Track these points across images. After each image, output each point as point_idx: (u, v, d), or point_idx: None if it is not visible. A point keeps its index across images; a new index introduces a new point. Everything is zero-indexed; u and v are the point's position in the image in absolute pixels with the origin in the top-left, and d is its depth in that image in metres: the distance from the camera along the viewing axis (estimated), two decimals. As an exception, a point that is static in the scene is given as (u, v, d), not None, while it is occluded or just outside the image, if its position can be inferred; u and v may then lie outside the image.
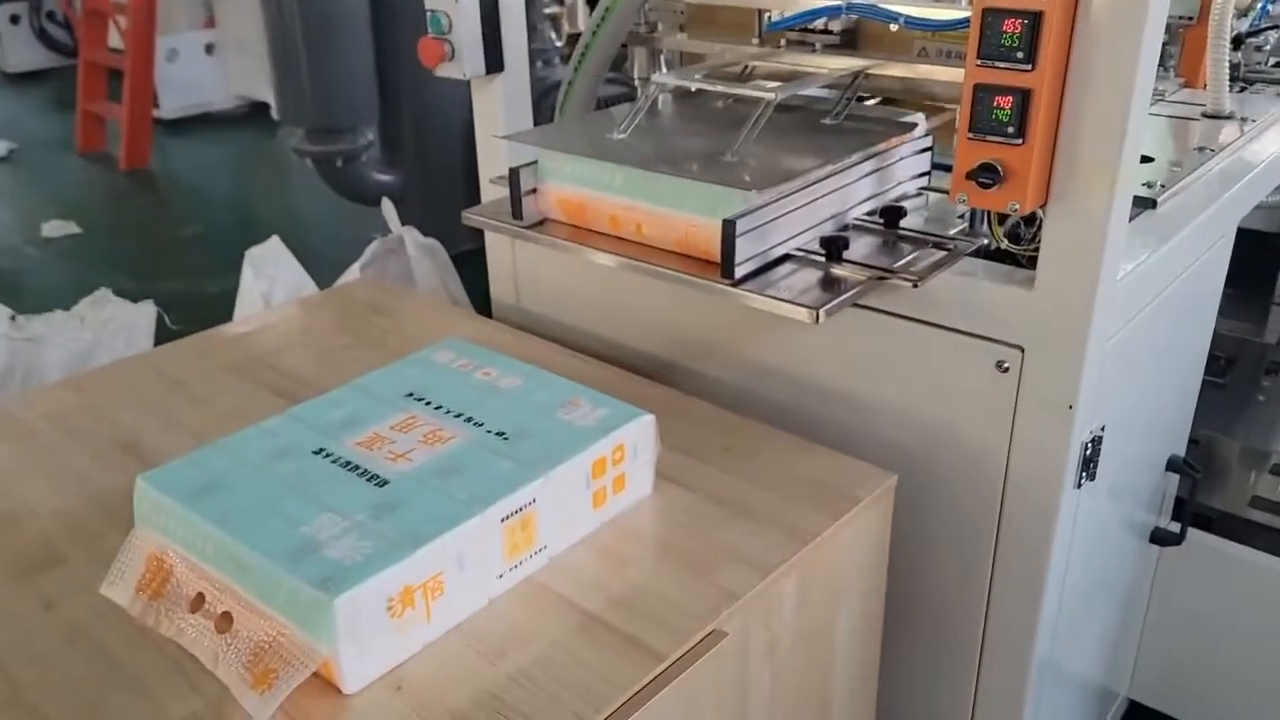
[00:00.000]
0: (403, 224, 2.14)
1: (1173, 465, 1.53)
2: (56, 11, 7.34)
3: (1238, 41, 1.82)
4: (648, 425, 1.04)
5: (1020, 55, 0.95)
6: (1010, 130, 0.98)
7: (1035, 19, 0.93)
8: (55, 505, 1.08)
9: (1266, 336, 1.99)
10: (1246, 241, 2.08)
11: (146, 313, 1.81)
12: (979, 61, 0.98)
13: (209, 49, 6.14)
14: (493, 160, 1.52)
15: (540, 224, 1.27)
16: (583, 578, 0.97)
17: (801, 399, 1.29)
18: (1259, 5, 1.84)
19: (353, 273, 2.00)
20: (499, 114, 1.50)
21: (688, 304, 1.35)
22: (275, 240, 1.87)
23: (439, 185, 3.74)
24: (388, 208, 2.18)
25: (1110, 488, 1.30)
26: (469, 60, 1.43)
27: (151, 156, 5.26)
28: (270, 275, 1.77)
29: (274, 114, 5.84)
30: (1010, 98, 0.97)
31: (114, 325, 1.70)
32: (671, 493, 1.09)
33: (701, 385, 1.36)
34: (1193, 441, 1.74)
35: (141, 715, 0.82)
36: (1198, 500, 1.65)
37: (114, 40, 5.47)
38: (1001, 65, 0.96)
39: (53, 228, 4.32)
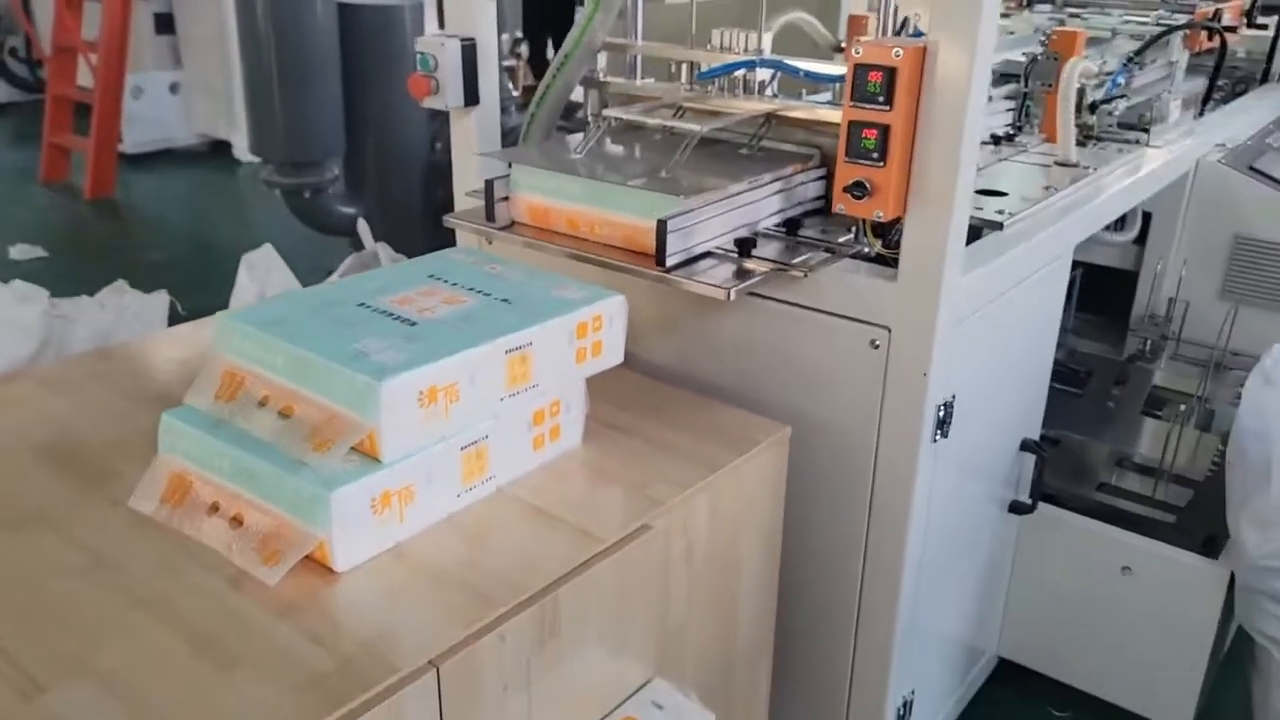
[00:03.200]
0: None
1: (1026, 446, 1.84)
2: (19, 48, 7.51)
3: (1094, 106, 2.19)
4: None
5: (881, 99, 1.27)
6: (875, 155, 1.30)
7: (891, 72, 1.25)
8: (107, 437, 1.32)
9: (1120, 354, 2.34)
10: (1108, 276, 2.45)
11: (161, 300, 2.04)
12: (852, 103, 1.29)
13: (173, 88, 6.36)
14: (466, 178, 1.80)
15: (510, 226, 1.55)
16: (536, 489, 1.23)
17: (717, 373, 1.57)
18: (1110, 78, 2.21)
19: (331, 282, 2.25)
20: (473, 139, 1.79)
21: (631, 296, 1.63)
22: (268, 247, 2.12)
23: (398, 217, 4.00)
24: (363, 226, 2.44)
25: (964, 453, 1.60)
26: (451, 94, 1.72)
27: (115, 188, 5.44)
28: (263, 279, 2.01)
29: (236, 151, 6.07)
30: (875, 130, 1.28)
31: (131, 311, 1.92)
32: (610, 435, 1.36)
33: (637, 364, 1.63)
34: (1053, 441, 2.07)
35: (176, 584, 1.05)
36: (1058, 486, 1.97)
37: (83, 77, 5.67)
38: (868, 106, 1.28)
39: (20, 251, 4.48)
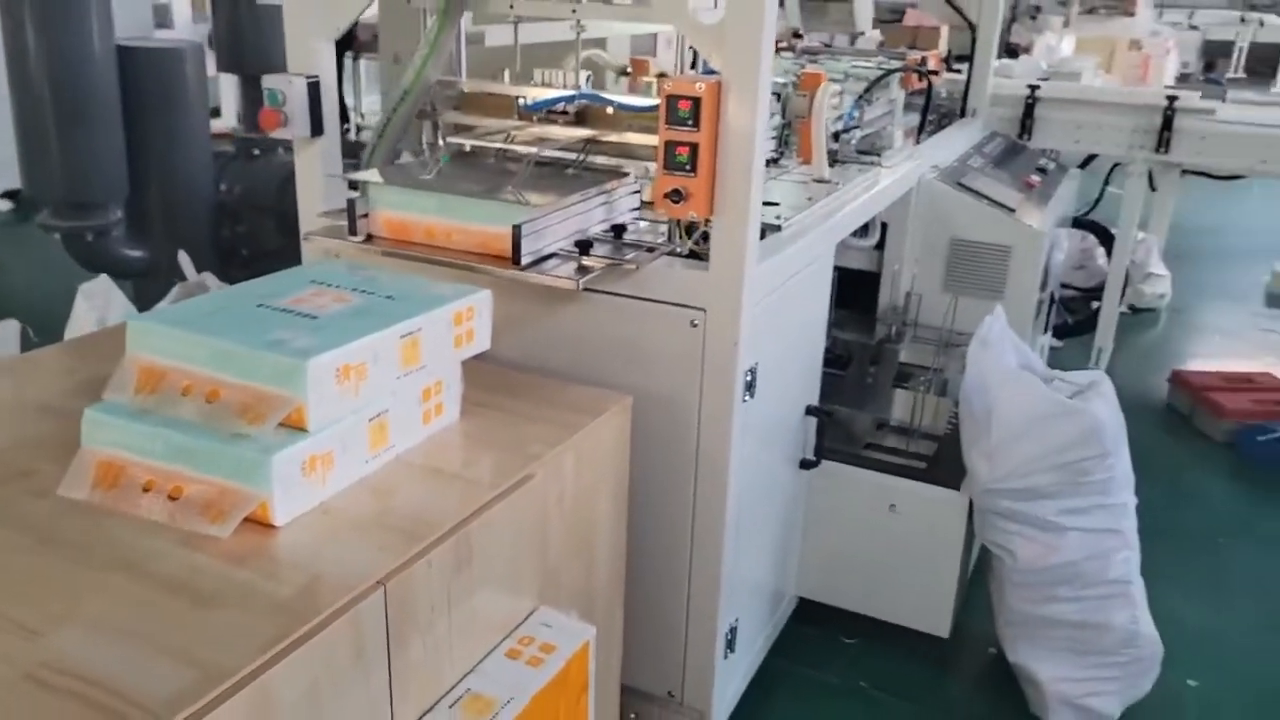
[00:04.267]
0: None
1: (810, 411, 2.22)
2: None
3: (836, 135, 2.64)
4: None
5: (690, 122, 1.59)
6: (688, 168, 1.61)
7: (697, 101, 1.57)
8: (3, 443, 1.41)
9: (873, 340, 2.80)
10: (862, 279, 2.91)
11: (11, 328, 2.03)
12: (667, 126, 1.61)
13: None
14: (312, 201, 1.97)
15: (369, 239, 1.75)
16: (429, 455, 1.44)
17: (565, 360, 1.83)
18: (847, 111, 2.67)
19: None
20: (318, 167, 1.96)
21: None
22: (104, 277, 2.17)
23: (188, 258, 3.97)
24: (184, 258, 2.50)
25: (764, 417, 1.94)
26: (299, 126, 1.89)
27: None
28: (102, 307, 2.07)
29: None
30: (687, 148, 1.60)
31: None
32: (483, 411, 1.59)
33: (495, 358, 1.86)
34: (827, 413, 2.47)
35: (134, 549, 1.19)
36: (835, 447, 2.37)
37: None
38: (680, 128, 1.60)
39: None
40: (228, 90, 5.47)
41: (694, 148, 1.60)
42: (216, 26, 4.20)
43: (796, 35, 3.68)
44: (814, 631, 2.44)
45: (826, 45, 3.91)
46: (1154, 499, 3.21)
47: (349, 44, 2.41)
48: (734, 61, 1.58)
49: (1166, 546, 2.90)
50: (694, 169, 1.61)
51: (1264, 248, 5.92)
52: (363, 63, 5.42)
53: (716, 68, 1.61)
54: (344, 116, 2.06)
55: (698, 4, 1.63)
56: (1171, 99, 3.45)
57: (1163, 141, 3.44)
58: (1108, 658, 2.13)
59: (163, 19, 6.37)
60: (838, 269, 2.73)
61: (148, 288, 3.94)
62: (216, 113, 4.94)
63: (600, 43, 2.52)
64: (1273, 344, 4.66)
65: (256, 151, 4.19)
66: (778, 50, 3.51)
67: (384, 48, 2.24)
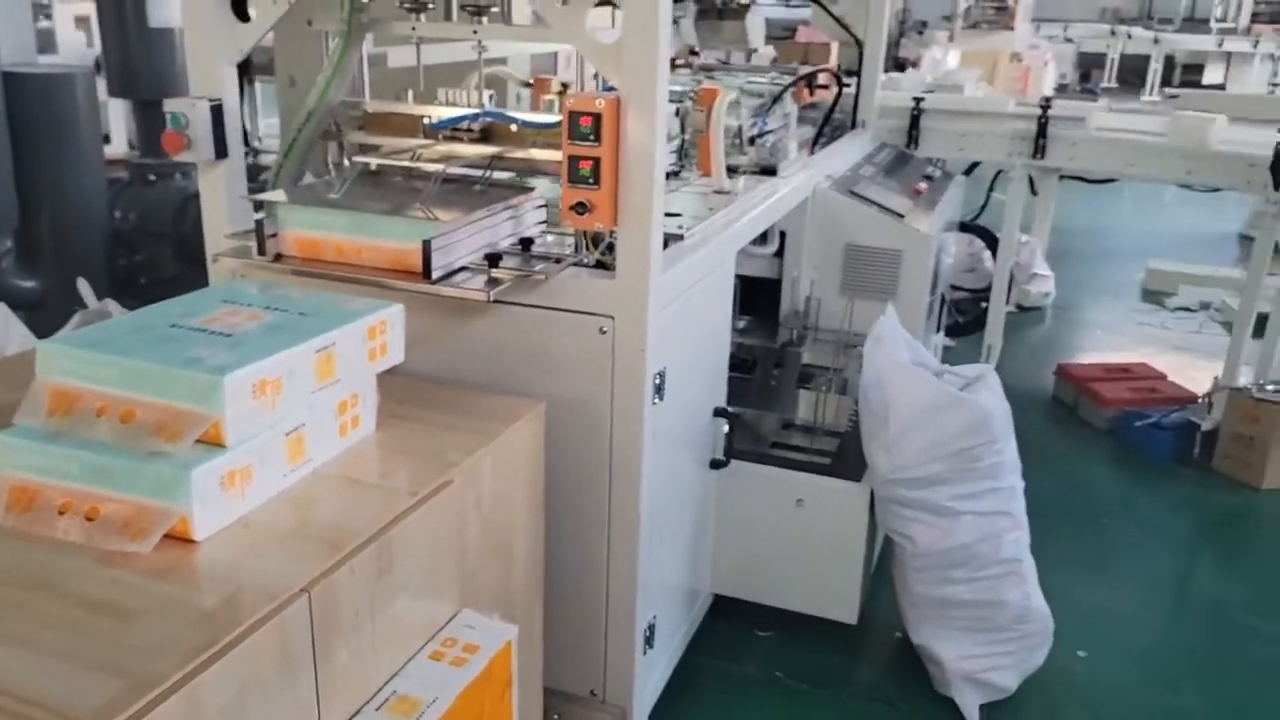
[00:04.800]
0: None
1: (718, 413, 2.31)
2: None
3: (754, 139, 2.73)
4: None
5: (592, 137, 1.65)
6: (591, 181, 1.68)
7: (598, 117, 1.64)
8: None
9: (776, 344, 2.91)
10: (765, 286, 3.02)
11: None
12: (570, 141, 1.67)
13: None
14: (217, 223, 1.97)
15: (278, 259, 1.77)
16: (347, 466, 1.47)
17: (479, 371, 1.88)
18: (760, 117, 2.77)
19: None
20: (224, 189, 1.97)
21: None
22: (3, 306, 2.12)
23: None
24: (83, 285, 2.47)
25: (673, 419, 2.01)
26: (203, 149, 1.90)
27: None
28: (1, 335, 2.03)
29: None
30: (589, 162, 1.67)
31: None
32: (399, 423, 1.62)
33: (410, 372, 1.89)
34: (735, 414, 2.56)
35: (52, 569, 1.20)
36: (744, 448, 2.46)
37: None
38: (583, 143, 1.66)
39: None
40: (117, 116, 5.34)
41: (596, 161, 1.67)
42: (106, 51, 4.12)
43: (693, 53, 3.79)
44: (730, 626, 2.52)
45: (723, 62, 4.03)
46: (1043, 485, 3.40)
47: (244, 67, 2.41)
48: (631, 78, 1.66)
49: (1056, 529, 3.07)
50: (597, 182, 1.68)
51: (1138, 247, 6.28)
52: (258, 85, 5.37)
53: (615, 85, 1.69)
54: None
55: (595, 24, 1.70)
56: (1045, 107, 3.66)
57: (1039, 148, 3.66)
58: (1003, 634, 2.26)
59: (46, 44, 6.18)
60: (741, 277, 2.84)
61: (41, 319, 3.83)
62: (107, 139, 4.83)
63: (502, 61, 2.57)
64: (1148, 336, 4.96)
65: (152, 177, 4.12)
66: (675, 67, 3.62)
67: (280, 70, 2.25)
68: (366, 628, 1.32)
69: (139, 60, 4.00)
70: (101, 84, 4.14)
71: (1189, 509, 3.28)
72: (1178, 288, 5.42)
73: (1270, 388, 3.36)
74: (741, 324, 2.94)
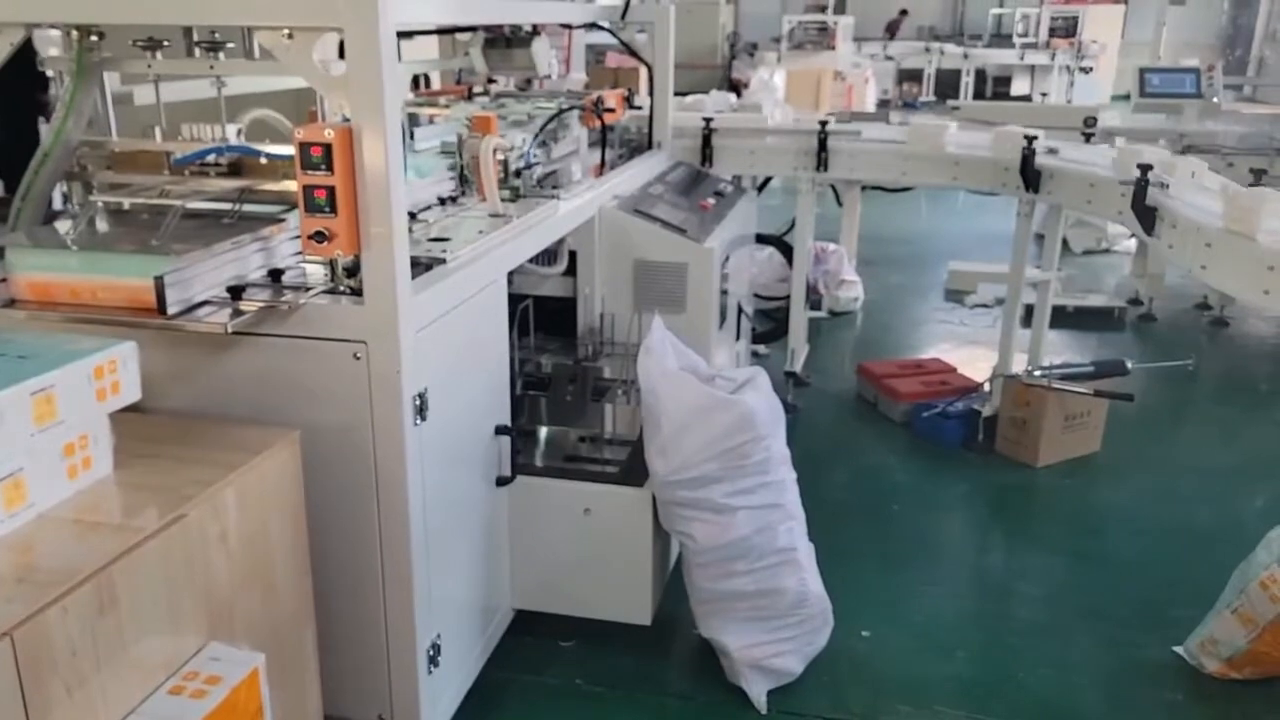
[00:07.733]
0: None
1: (499, 431, 2.36)
2: None
3: (518, 172, 2.81)
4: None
5: (324, 167, 1.69)
6: (328, 209, 1.71)
7: (328, 146, 1.68)
8: None
9: (573, 360, 2.99)
10: (561, 304, 3.09)
11: None
12: (303, 172, 1.70)
13: None
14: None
15: (12, 304, 1.73)
16: (78, 508, 1.46)
17: (236, 404, 1.87)
18: (527, 150, 2.86)
19: None
20: (-42, 235, 1.91)
21: (148, 353, 1.87)
22: None
23: None
24: None
25: (446, 438, 2.05)
26: (-73, 192, 1.84)
27: None
28: None
29: None
30: (324, 190, 1.70)
31: None
32: (140, 461, 1.61)
33: (162, 410, 1.88)
34: (527, 432, 2.62)
35: None
36: (540, 465, 2.51)
37: None
38: (315, 172, 1.70)
39: None
40: None
41: (331, 190, 1.70)
42: None
43: (491, 80, 3.86)
44: (532, 640, 2.56)
45: (522, 89, 4.11)
46: (840, 478, 3.61)
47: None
48: (361, 107, 1.70)
49: (850, 518, 3.26)
50: (334, 210, 1.71)
51: (941, 250, 6.68)
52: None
53: (347, 115, 1.73)
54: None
55: (324, 57, 1.74)
56: (824, 124, 3.89)
57: (821, 161, 3.87)
58: (784, 620, 2.39)
59: None
60: (537, 298, 2.92)
61: None
62: None
63: (265, 98, 2.57)
64: (945, 332, 5.29)
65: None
66: (472, 95, 3.67)
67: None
68: (88, 667, 1.31)
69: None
70: None
71: (972, 490, 3.53)
72: (977, 286, 5.79)
73: (1038, 373, 3.65)
74: (540, 342, 3.01)
